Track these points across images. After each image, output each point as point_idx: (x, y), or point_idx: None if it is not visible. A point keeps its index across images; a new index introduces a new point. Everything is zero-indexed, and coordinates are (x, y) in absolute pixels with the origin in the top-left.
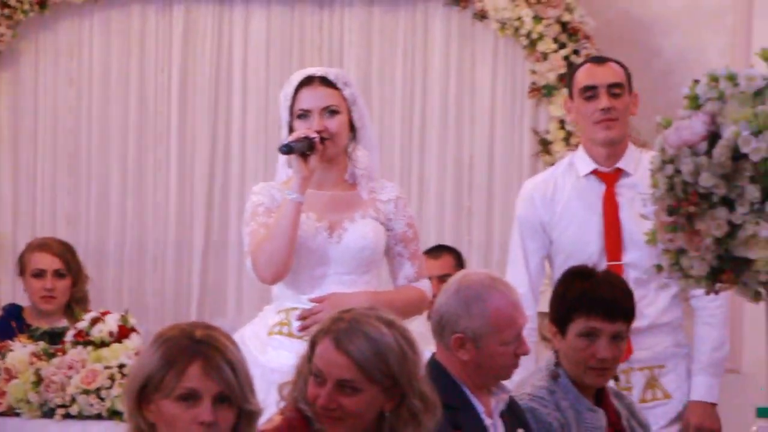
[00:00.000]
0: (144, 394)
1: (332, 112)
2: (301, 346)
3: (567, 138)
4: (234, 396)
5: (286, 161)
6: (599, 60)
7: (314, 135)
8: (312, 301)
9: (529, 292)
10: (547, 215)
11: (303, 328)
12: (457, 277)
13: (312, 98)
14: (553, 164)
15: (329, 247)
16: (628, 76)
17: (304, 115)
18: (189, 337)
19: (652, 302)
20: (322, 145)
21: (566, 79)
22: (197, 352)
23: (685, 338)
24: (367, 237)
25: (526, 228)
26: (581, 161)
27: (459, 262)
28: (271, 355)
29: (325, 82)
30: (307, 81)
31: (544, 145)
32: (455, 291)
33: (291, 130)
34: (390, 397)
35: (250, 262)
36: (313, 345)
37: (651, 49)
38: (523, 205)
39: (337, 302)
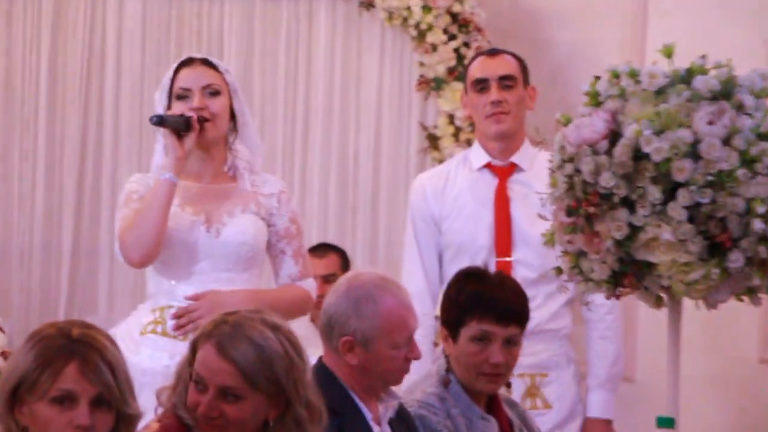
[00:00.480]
0: (16, 395)
1: (214, 92)
2: (175, 346)
3: (456, 133)
4: (113, 398)
5: (163, 149)
6: (492, 52)
7: (191, 114)
8: (188, 299)
9: (425, 289)
10: (438, 207)
11: (178, 327)
12: (347, 277)
13: (193, 77)
14: (441, 161)
15: (206, 241)
16: (524, 68)
17: (184, 95)
18: (65, 336)
19: (540, 305)
20: (199, 125)
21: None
22: (74, 352)
23: (572, 349)
24: (247, 232)
25: (418, 221)
26: (475, 155)
27: (345, 261)
28: (143, 355)
29: (206, 63)
30: (188, 61)
31: (433, 141)
32: (345, 291)
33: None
34: (274, 405)
35: (117, 244)
36: (194, 349)
37: (544, 43)
38: (415, 198)
39: (214, 301)
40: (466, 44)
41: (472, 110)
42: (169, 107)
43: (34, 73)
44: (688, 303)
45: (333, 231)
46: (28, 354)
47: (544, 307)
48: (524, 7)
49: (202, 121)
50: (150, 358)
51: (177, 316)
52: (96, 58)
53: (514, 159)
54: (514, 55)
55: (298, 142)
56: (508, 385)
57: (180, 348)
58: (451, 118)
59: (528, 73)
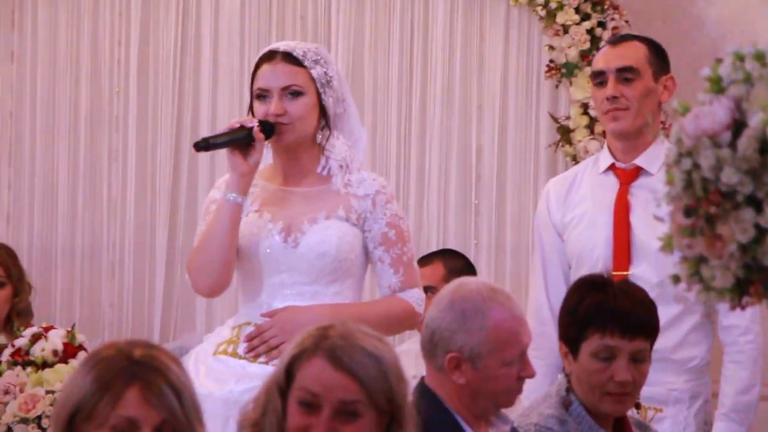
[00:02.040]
0: (73, 424)
1: (294, 92)
2: (244, 369)
3: (590, 125)
4: (178, 426)
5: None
6: (617, 40)
7: (252, 123)
8: (264, 315)
9: (545, 304)
10: (560, 214)
11: (250, 350)
12: (450, 288)
13: (271, 76)
14: (574, 156)
15: (283, 252)
16: (657, 56)
17: (263, 95)
18: (126, 358)
19: (662, 330)
20: (275, 129)
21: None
22: (136, 375)
23: (706, 383)
24: (328, 242)
25: (542, 230)
26: (603, 155)
27: (452, 272)
28: (206, 379)
29: (288, 58)
30: (268, 56)
31: (564, 134)
32: (449, 303)
33: (251, 111)
34: (381, 425)
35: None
36: (290, 369)
37: (691, 20)
38: (540, 205)
39: (288, 319)
40: (602, 24)
41: (594, 105)
42: (251, 106)
43: (123, 68)
44: None
45: (453, 234)
46: (86, 378)
47: (668, 333)
48: None
49: (270, 128)
50: (215, 381)
51: (250, 338)
52: (189, 51)
53: (639, 161)
54: (647, 41)
55: (414, 136)
56: (638, 406)
57: (251, 371)
58: (584, 107)
59: (666, 61)
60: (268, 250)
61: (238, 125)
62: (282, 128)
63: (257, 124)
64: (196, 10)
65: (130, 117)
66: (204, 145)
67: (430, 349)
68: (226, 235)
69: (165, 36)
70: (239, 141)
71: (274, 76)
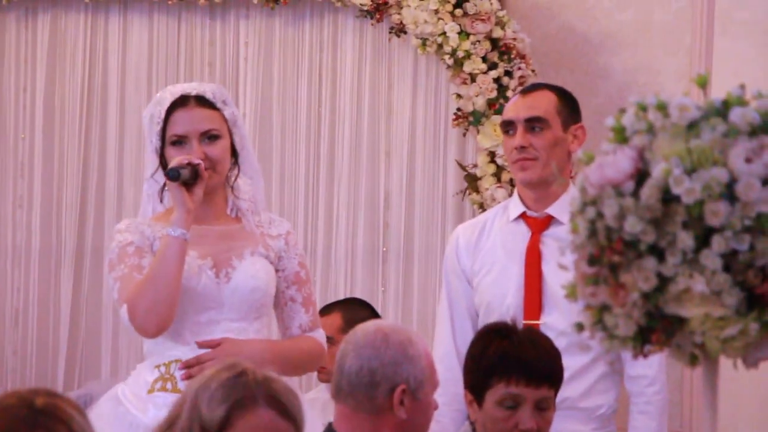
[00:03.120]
0: None
1: (212, 137)
2: None
3: (498, 173)
4: None
5: (157, 194)
6: (528, 89)
7: (198, 161)
8: (200, 345)
9: (452, 351)
10: (469, 262)
11: (188, 377)
12: (371, 328)
13: (189, 122)
14: (481, 203)
15: (216, 288)
16: (566, 106)
17: (180, 141)
18: (28, 407)
19: (572, 378)
20: (207, 172)
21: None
22: (37, 425)
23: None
24: (259, 276)
25: (450, 277)
26: (513, 203)
27: (349, 321)
28: (154, 413)
29: (202, 102)
30: (181, 101)
31: (472, 182)
32: (383, 339)
33: (162, 158)
34: None
35: (125, 311)
36: (227, 419)
37: (597, 70)
38: (448, 251)
39: (231, 351)
40: (509, 73)
41: (505, 154)
42: (162, 150)
43: (28, 113)
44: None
45: (361, 280)
46: None
47: (576, 381)
48: (575, 31)
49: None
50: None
51: (187, 366)
52: (96, 95)
53: (551, 210)
54: (558, 91)
55: (322, 181)
56: None
57: None
58: (492, 155)
59: (576, 110)
60: (201, 287)
61: (186, 162)
62: (208, 172)
63: (202, 163)
64: (102, 55)
65: (35, 162)
66: (175, 174)
67: (368, 391)
68: (177, 271)
69: (72, 81)
70: (187, 177)
71: (192, 121)
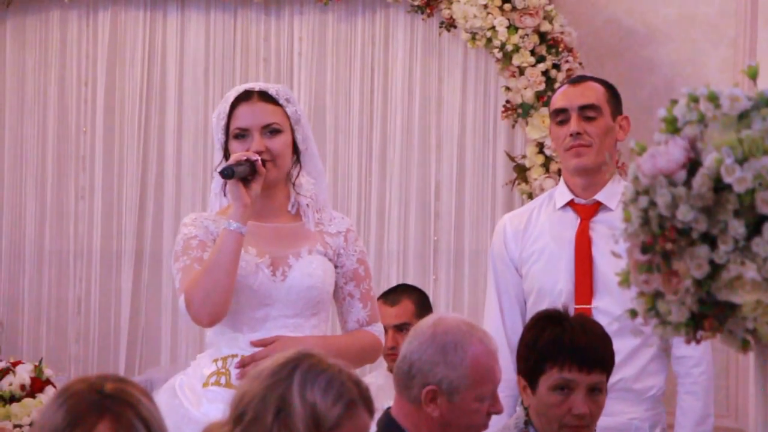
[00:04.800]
0: None
1: (274, 131)
2: None
3: (546, 164)
4: None
5: (221, 189)
6: (576, 80)
7: (256, 157)
8: (255, 344)
9: (503, 337)
10: (517, 250)
11: (243, 376)
12: (429, 322)
13: (251, 115)
14: (530, 194)
15: (272, 286)
16: (613, 97)
17: (242, 134)
18: (97, 392)
19: (624, 361)
20: (264, 168)
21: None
22: (106, 408)
23: (661, 413)
24: (315, 275)
25: (498, 265)
26: (560, 192)
27: (421, 307)
28: (206, 408)
29: (264, 97)
30: (245, 96)
31: (520, 172)
32: (430, 337)
33: (227, 152)
34: None
35: (183, 301)
36: (340, 419)
37: (643, 63)
38: (495, 240)
39: (284, 347)
40: (556, 66)
41: (554, 143)
42: (226, 144)
43: (90, 107)
44: None
45: (413, 270)
46: (57, 412)
47: (629, 363)
48: (621, 25)
49: (264, 163)
50: (214, 411)
51: (242, 365)
52: (155, 90)
53: (599, 197)
54: (603, 82)
55: (374, 174)
56: None
57: None
58: (540, 146)
59: (620, 102)
60: (257, 285)
61: (245, 158)
62: (268, 164)
63: (259, 159)
64: (161, 51)
65: (96, 156)
66: (229, 173)
67: (406, 380)
68: (232, 264)
69: (131, 76)
70: (245, 173)
71: (254, 115)
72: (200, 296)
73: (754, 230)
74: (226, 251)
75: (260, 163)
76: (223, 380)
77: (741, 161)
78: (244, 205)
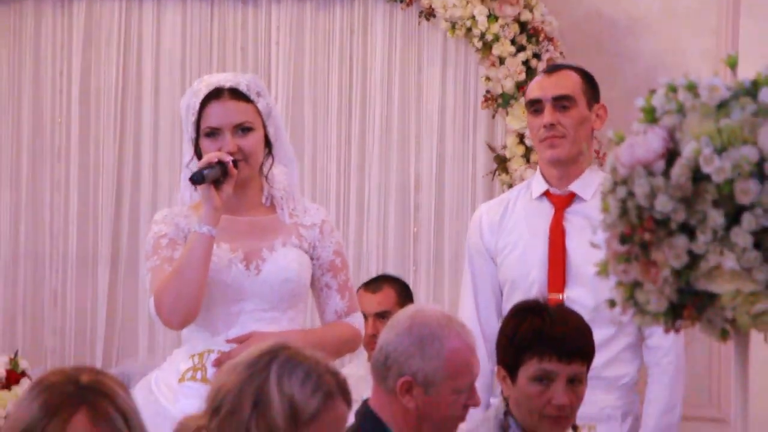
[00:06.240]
0: None
1: (245, 129)
2: None
3: (526, 154)
4: None
5: (201, 197)
6: (551, 69)
7: (228, 158)
8: (230, 341)
9: (477, 327)
10: (493, 240)
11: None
12: (408, 313)
13: (222, 114)
14: (510, 184)
15: (246, 280)
16: (588, 85)
17: (213, 133)
18: (73, 383)
19: (596, 349)
20: (236, 169)
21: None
22: (83, 400)
23: (634, 402)
24: (290, 267)
25: (473, 255)
26: (536, 181)
27: (402, 295)
28: (183, 404)
29: (235, 94)
30: (216, 94)
31: (501, 163)
32: (408, 328)
33: (197, 148)
34: None
35: (152, 303)
36: (318, 411)
37: (624, 53)
38: (471, 230)
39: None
40: (537, 56)
41: (530, 133)
42: (197, 141)
43: (65, 97)
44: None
45: (393, 261)
46: (33, 403)
47: (601, 352)
48: (602, 15)
49: (236, 163)
50: (190, 407)
51: (219, 363)
52: (131, 80)
53: (573, 187)
54: (579, 71)
55: (353, 165)
56: (575, 428)
57: None
58: (520, 137)
59: (597, 90)
60: (231, 280)
61: (216, 160)
62: (240, 164)
63: (231, 159)
64: (137, 39)
65: (72, 146)
66: (199, 178)
67: (383, 371)
68: (202, 267)
69: (107, 66)
70: (217, 176)
71: (225, 114)
72: (169, 301)
73: (732, 220)
74: (195, 255)
75: (232, 165)
76: (199, 375)
77: (720, 151)
78: (214, 208)
